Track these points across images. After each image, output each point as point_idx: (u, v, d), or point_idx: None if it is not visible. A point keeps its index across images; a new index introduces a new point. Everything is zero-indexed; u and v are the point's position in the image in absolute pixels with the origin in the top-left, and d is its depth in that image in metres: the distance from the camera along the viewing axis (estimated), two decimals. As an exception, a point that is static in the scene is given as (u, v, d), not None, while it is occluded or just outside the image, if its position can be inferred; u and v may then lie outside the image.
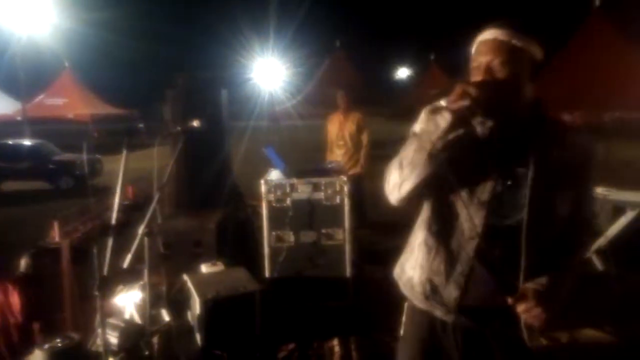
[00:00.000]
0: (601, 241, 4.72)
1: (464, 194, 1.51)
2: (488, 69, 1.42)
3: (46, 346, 2.23)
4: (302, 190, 3.97)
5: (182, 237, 4.14)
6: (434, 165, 1.42)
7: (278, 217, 3.97)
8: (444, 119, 1.38)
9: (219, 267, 3.59)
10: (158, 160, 2.90)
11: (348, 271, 3.99)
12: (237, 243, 4.57)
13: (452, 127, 1.37)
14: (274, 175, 4.20)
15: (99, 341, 2.58)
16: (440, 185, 1.51)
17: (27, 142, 14.50)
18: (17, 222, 8.28)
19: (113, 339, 2.64)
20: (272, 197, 3.97)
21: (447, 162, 1.43)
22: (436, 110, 1.43)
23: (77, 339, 2.36)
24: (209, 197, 4.69)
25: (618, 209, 4.67)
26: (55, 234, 4.37)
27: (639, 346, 3.45)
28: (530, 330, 1.52)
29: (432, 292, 1.60)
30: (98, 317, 2.23)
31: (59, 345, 2.26)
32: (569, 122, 1.56)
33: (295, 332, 3.60)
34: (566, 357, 3.36)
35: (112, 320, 2.77)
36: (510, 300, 1.43)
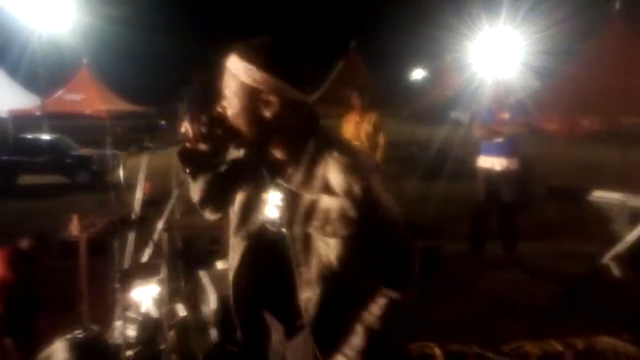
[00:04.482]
0: (619, 247, 4.67)
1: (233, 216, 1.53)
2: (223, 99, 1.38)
3: (67, 336, 2.28)
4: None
5: (199, 233, 4.18)
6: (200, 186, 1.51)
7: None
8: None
9: (235, 264, 3.61)
10: (176, 158, 2.93)
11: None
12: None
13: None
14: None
15: (116, 333, 2.62)
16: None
17: (45, 137, 14.67)
18: (34, 215, 8.40)
19: (131, 331, 2.69)
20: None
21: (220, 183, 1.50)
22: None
23: (97, 330, 2.40)
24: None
25: (636, 215, 4.61)
26: (75, 228, 4.42)
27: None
28: None
29: None
30: (118, 310, 2.27)
31: (80, 336, 2.30)
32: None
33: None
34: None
35: (129, 314, 2.81)
36: None
